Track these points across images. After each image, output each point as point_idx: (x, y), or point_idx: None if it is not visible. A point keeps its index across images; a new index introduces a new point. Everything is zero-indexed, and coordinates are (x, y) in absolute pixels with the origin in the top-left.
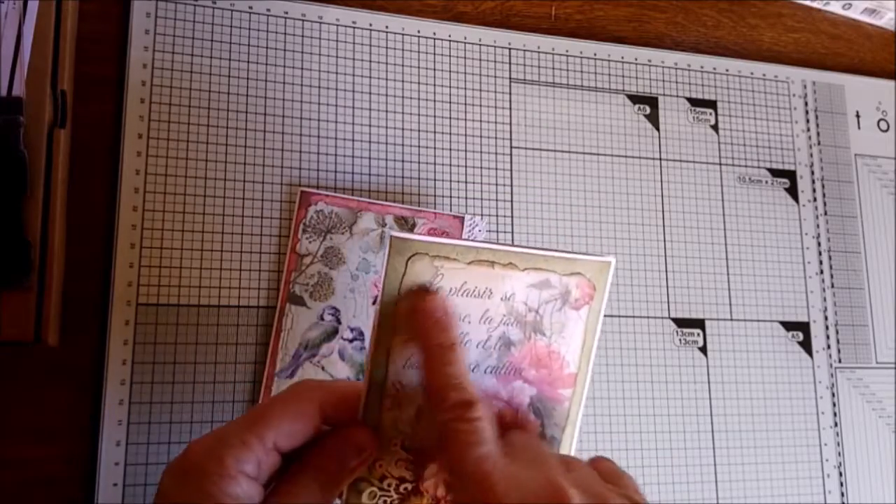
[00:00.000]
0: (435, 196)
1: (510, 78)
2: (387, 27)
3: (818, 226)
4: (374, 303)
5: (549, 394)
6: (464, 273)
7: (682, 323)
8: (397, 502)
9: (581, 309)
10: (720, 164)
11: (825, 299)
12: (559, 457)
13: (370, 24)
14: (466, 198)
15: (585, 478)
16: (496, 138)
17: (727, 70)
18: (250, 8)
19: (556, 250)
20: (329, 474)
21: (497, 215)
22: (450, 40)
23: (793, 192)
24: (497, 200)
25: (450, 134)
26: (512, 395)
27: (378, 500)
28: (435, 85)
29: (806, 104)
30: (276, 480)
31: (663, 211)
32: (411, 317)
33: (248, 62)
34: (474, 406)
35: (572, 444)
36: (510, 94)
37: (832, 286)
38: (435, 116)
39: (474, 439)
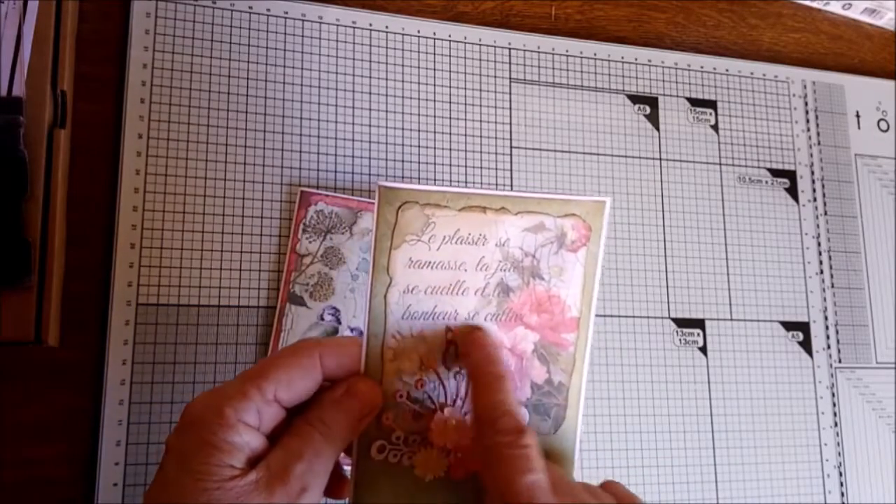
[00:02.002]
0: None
1: (510, 78)
2: (387, 27)
3: (818, 226)
4: None
5: (553, 339)
6: (456, 220)
7: (682, 323)
8: (406, 454)
9: (578, 251)
10: (720, 164)
11: (825, 299)
12: (584, 486)
13: (370, 24)
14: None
15: None
16: (496, 138)
17: (727, 70)
18: (250, 8)
19: (547, 192)
20: (333, 428)
21: None
22: (450, 40)
23: (793, 192)
24: None
25: (450, 134)
26: (515, 342)
27: (387, 454)
28: (435, 85)
29: (806, 104)
30: (281, 434)
31: (663, 211)
32: (464, 348)
33: (248, 62)
34: (526, 433)
35: (581, 393)
36: (510, 94)
37: (832, 286)
38: (435, 116)
39: (527, 466)
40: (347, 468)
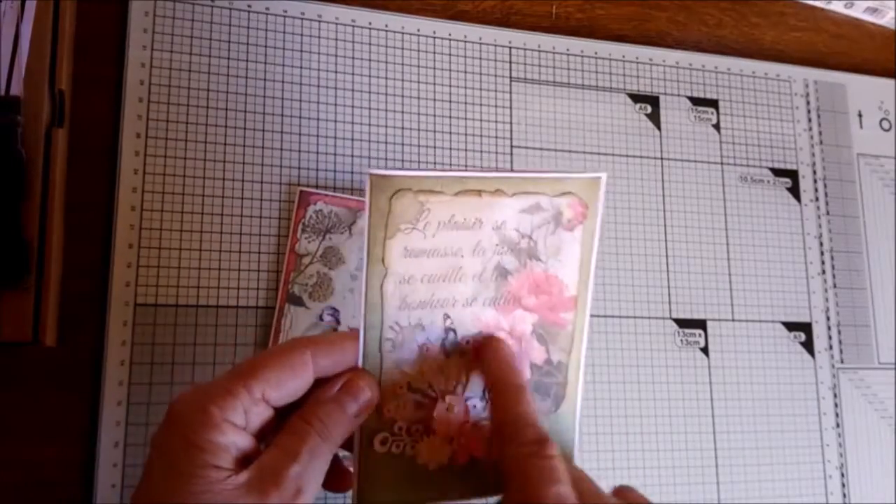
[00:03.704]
0: None
1: (510, 77)
2: (386, 26)
3: (820, 226)
4: None
5: (551, 318)
6: (451, 205)
7: (683, 323)
8: (410, 444)
9: (575, 229)
10: (722, 164)
11: (827, 299)
12: (609, 496)
13: (370, 23)
14: None
15: None
16: (496, 138)
17: (729, 69)
18: (249, 7)
19: (542, 171)
20: (331, 426)
21: None
22: (450, 39)
23: (795, 191)
24: None
25: (450, 133)
26: (514, 325)
27: (391, 446)
28: (435, 84)
29: (808, 103)
30: (270, 434)
31: (665, 210)
32: (483, 356)
33: (247, 61)
34: (549, 444)
35: (580, 370)
36: (510, 93)
37: (834, 286)
38: (435, 116)
39: (554, 477)
40: (344, 458)
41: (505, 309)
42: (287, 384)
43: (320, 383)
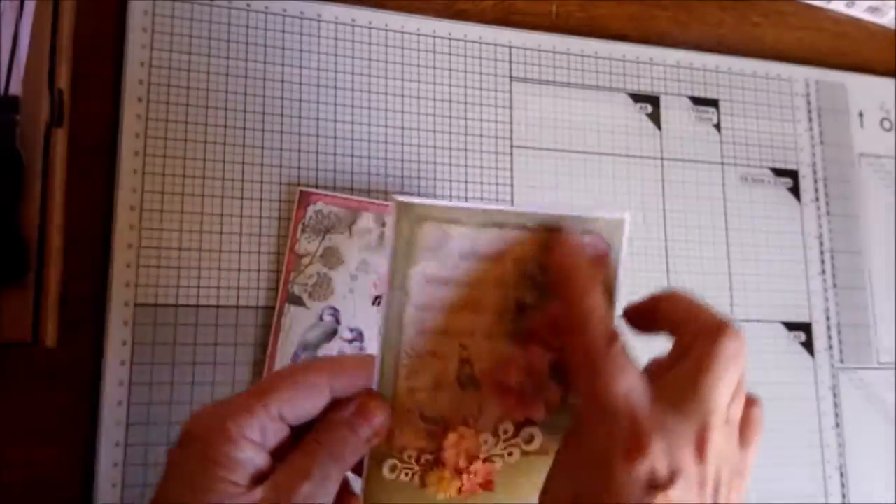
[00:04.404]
0: (435, 196)
1: (511, 76)
2: (386, 25)
3: (820, 225)
4: (373, 303)
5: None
6: (473, 236)
7: None
8: (419, 473)
9: (598, 267)
10: (722, 164)
11: (827, 299)
12: (722, 394)
13: (369, 22)
14: (467, 197)
15: (724, 451)
16: (497, 137)
17: (730, 68)
18: (248, 6)
19: (566, 208)
20: (343, 448)
21: None
22: (450, 38)
23: (795, 191)
24: (498, 200)
25: (450, 133)
26: (532, 363)
27: (399, 473)
28: (435, 83)
29: (809, 103)
30: (289, 451)
31: (665, 210)
32: (550, 255)
33: (247, 60)
34: (618, 339)
35: None
36: (511, 92)
37: (834, 286)
38: (435, 115)
39: (622, 370)
40: (353, 481)
41: (523, 345)
42: (303, 404)
43: (336, 404)
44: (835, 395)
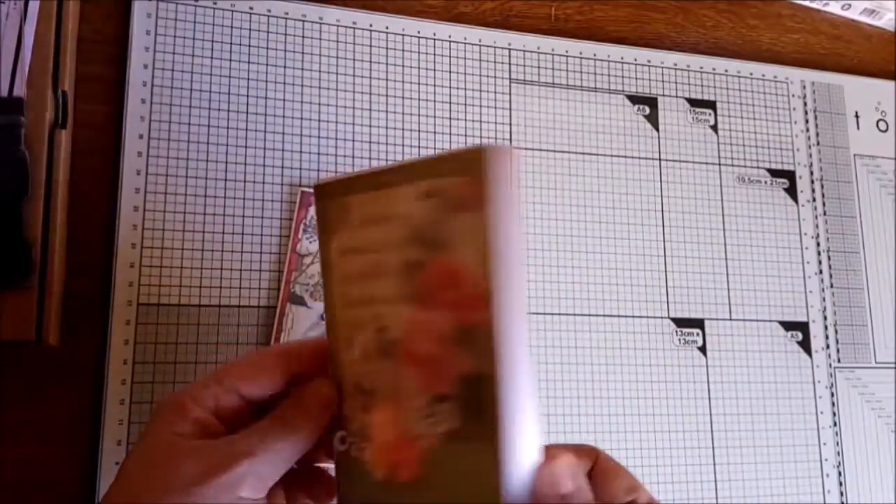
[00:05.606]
0: None
1: (510, 78)
2: (387, 28)
3: (817, 226)
4: None
5: (467, 318)
6: (368, 202)
7: (681, 323)
8: (361, 448)
9: (475, 211)
10: (719, 165)
11: (824, 299)
12: None
13: (370, 25)
14: None
15: None
16: (496, 139)
17: (726, 70)
18: (251, 9)
19: (439, 151)
20: (288, 415)
21: None
22: (450, 41)
23: (792, 192)
24: None
25: (450, 134)
26: (435, 324)
27: (349, 446)
28: (435, 85)
29: (805, 104)
30: (249, 425)
31: (663, 211)
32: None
33: (249, 63)
34: None
35: (512, 389)
36: (510, 94)
37: (831, 286)
38: (435, 117)
39: None
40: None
41: (424, 306)
42: (257, 380)
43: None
44: (832, 395)
